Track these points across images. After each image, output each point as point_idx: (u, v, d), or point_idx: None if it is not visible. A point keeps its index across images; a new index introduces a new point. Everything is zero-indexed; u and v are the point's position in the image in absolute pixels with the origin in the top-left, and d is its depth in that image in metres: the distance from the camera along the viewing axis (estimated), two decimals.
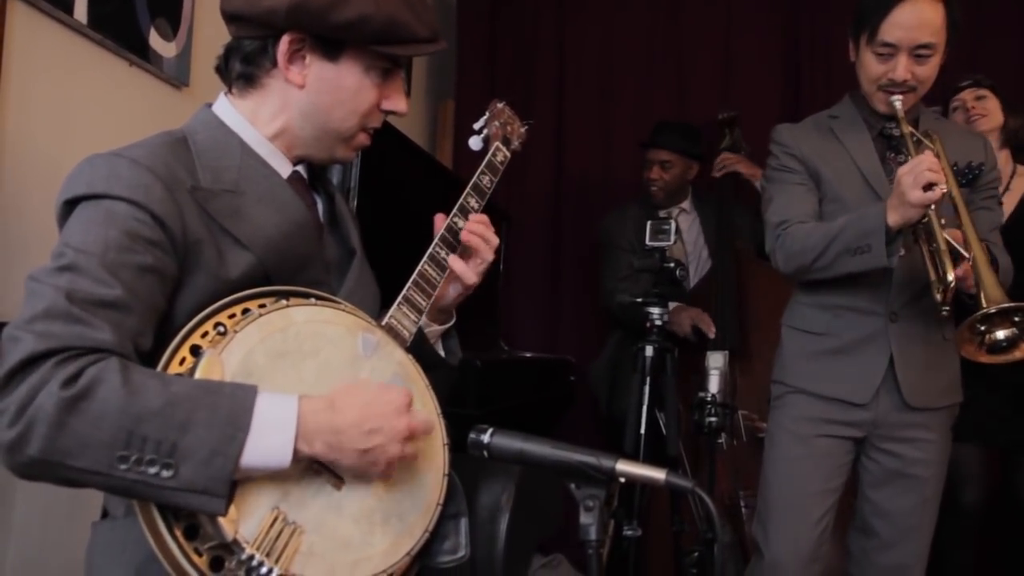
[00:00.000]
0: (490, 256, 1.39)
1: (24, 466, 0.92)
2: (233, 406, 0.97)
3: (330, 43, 1.19)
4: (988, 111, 2.71)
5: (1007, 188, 2.65)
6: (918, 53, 1.91)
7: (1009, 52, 3.31)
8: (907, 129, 1.93)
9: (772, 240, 2.07)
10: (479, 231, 1.38)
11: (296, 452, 1.00)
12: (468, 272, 1.37)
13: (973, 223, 1.79)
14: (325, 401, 1.05)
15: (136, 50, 1.91)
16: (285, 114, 1.23)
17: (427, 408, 1.22)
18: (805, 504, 2.03)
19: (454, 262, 1.35)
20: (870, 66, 1.97)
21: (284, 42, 1.18)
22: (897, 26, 1.90)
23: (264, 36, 1.19)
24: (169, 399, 0.94)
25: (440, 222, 1.39)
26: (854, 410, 2.00)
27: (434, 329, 1.41)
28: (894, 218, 1.81)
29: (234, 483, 0.97)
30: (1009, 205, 2.61)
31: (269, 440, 0.98)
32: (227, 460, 0.95)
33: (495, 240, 1.40)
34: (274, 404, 1.00)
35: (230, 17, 1.21)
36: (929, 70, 1.95)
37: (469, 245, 1.37)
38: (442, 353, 1.43)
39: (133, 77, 1.94)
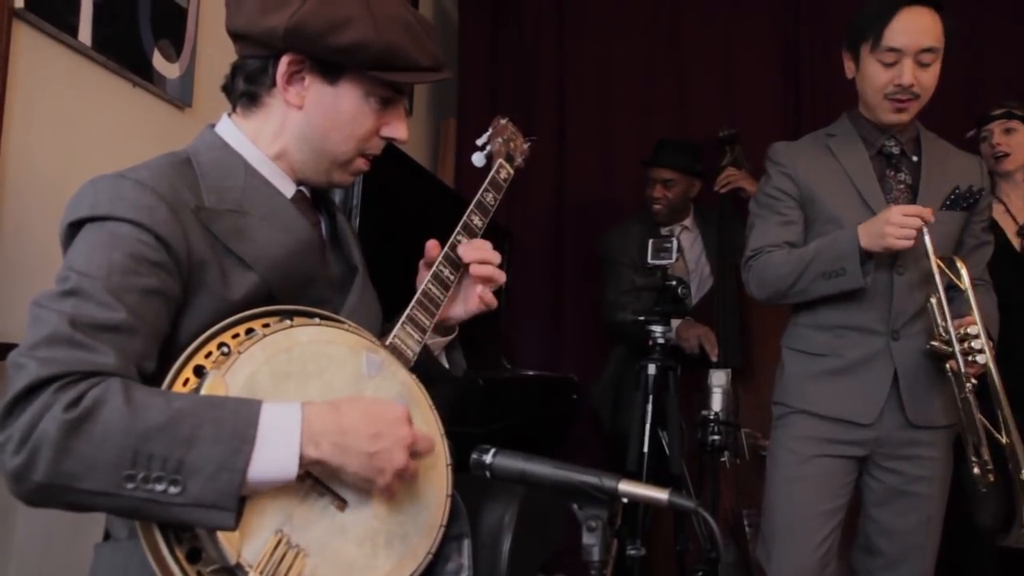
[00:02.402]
0: (501, 278, 1.39)
1: (32, 492, 0.92)
2: (238, 419, 0.97)
3: (329, 66, 1.19)
4: (1013, 148, 2.67)
5: None
6: (921, 60, 1.94)
7: (1012, 69, 3.32)
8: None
9: (745, 270, 2.11)
10: (479, 258, 1.37)
11: (303, 458, 1.00)
12: (469, 310, 1.39)
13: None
14: (329, 405, 1.05)
15: (139, 71, 1.92)
16: (284, 136, 1.23)
17: (430, 428, 1.22)
18: (808, 525, 2.01)
19: (483, 294, 1.37)
20: (876, 75, 1.98)
21: (283, 63, 1.18)
22: (901, 31, 1.93)
23: (265, 55, 1.20)
24: (173, 416, 0.94)
25: (433, 248, 1.38)
26: (858, 429, 2.00)
27: (437, 341, 1.40)
28: (867, 242, 1.89)
29: (243, 498, 0.97)
30: None
31: (275, 450, 0.98)
32: (234, 474, 0.94)
33: (497, 260, 1.39)
34: (278, 414, 1.00)
35: (233, 35, 1.22)
36: (932, 77, 1.97)
37: (481, 275, 1.37)
38: (446, 365, 1.43)
39: (136, 98, 1.95)
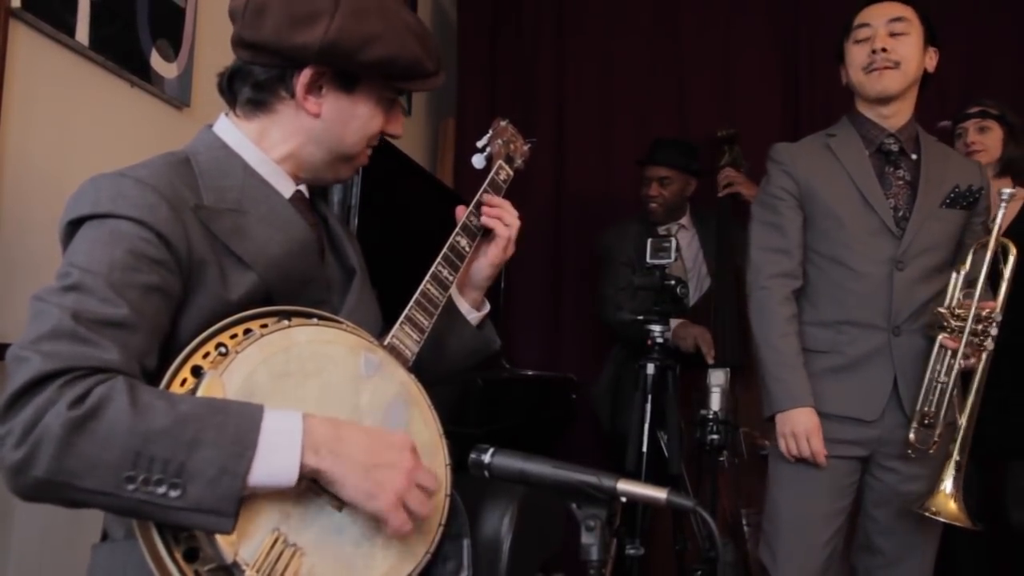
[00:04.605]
0: (506, 233, 1.45)
1: (30, 488, 0.92)
2: (240, 424, 0.97)
3: (348, 76, 1.22)
4: (986, 145, 2.74)
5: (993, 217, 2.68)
6: (893, 29, 2.01)
7: (1009, 68, 3.33)
8: None
9: (755, 286, 2.15)
10: (495, 214, 1.45)
11: (303, 466, 0.99)
12: (500, 255, 1.45)
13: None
14: (330, 419, 1.06)
15: (137, 71, 1.92)
16: (296, 139, 1.24)
17: (429, 428, 1.22)
18: (813, 527, 2.02)
19: (491, 250, 1.45)
20: (854, 55, 2.07)
21: (306, 75, 1.19)
22: (869, 11, 2.07)
23: (283, 67, 1.20)
24: (176, 418, 0.94)
25: (461, 213, 1.44)
26: (862, 428, 2.01)
27: (476, 316, 1.48)
28: (782, 423, 2.04)
29: (240, 501, 0.96)
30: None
31: (276, 457, 0.98)
32: (235, 479, 0.94)
33: (515, 221, 1.46)
34: (280, 421, 1.00)
35: (250, 45, 1.19)
36: (909, 48, 2.02)
37: (491, 228, 1.44)
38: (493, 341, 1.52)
39: (134, 98, 1.95)
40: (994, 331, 1.87)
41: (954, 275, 1.94)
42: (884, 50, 2.00)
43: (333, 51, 1.17)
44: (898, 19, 2.01)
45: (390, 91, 1.27)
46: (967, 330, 1.87)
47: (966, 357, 1.88)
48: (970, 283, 1.93)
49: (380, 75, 1.23)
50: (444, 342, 1.43)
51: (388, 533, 1.08)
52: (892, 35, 2.01)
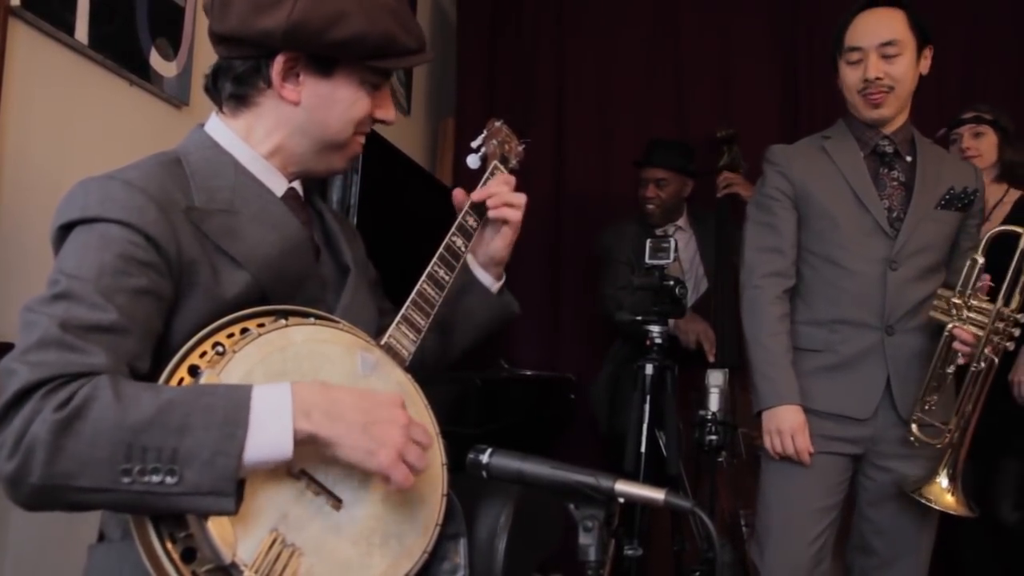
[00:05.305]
0: (517, 216, 1.46)
1: (28, 496, 0.92)
2: (228, 404, 0.96)
3: (324, 60, 1.20)
4: (981, 151, 2.76)
5: (987, 219, 2.68)
6: (885, 53, 2.00)
7: (1008, 69, 3.33)
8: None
9: (748, 285, 2.15)
10: (498, 202, 1.45)
11: (296, 432, 0.99)
12: (506, 242, 1.47)
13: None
14: (319, 383, 1.06)
15: (137, 70, 1.92)
16: (280, 131, 1.23)
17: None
18: (802, 523, 2.02)
19: (506, 231, 1.46)
20: (847, 77, 2.07)
21: (279, 62, 1.18)
22: (859, 31, 2.03)
23: (257, 56, 1.19)
24: (163, 406, 0.94)
25: (460, 196, 1.45)
26: (855, 426, 2.01)
27: (497, 286, 1.50)
28: (768, 420, 2.05)
29: (242, 482, 0.96)
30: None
31: (268, 430, 0.97)
32: (229, 458, 0.94)
33: (519, 201, 1.47)
34: (269, 394, 0.99)
35: (221, 38, 1.20)
36: (901, 69, 2.01)
37: (502, 218, 1.45)
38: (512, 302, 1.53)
39: (133, 96, 1.95)
40: (1016, 331, 1.84)
41: (968, 262, 1.91)
42: (878, 78, 1.99)
43: (299, 33, 1.15)
44: (889, 43, 1.99)
45: (372, 73, 1.23)
46: (988, 328, 1.84)
47: (983, 356, 1.85)
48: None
49: (355, 55, 1.20)
50: (472, 316, 1.48)
51: (393, 488, 1.07)
52: (884, 57, 2.00)
